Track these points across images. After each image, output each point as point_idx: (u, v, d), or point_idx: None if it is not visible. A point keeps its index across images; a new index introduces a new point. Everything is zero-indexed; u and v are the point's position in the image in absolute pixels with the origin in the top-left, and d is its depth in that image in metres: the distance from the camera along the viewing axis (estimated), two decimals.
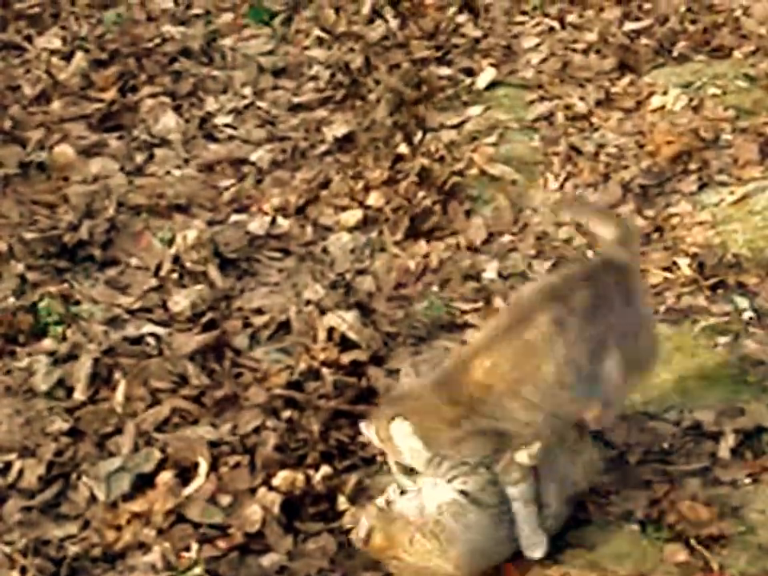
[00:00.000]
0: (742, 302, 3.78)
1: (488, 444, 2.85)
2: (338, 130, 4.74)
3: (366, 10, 5.48)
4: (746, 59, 5.07)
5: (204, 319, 3.75)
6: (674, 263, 3.97)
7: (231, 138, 4.77)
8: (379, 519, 2.90)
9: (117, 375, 3.48)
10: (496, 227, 4.25)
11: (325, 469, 3.18)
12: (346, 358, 3.59)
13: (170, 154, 4.64)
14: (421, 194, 4.30)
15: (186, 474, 3.17)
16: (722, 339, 3.64)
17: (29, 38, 5.26)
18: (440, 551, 2.84)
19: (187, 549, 2.95)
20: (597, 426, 3.07)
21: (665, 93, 4.83)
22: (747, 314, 3.73)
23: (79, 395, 3.45)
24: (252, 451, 3.24)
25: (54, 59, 5.08)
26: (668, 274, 3.94)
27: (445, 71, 5.10)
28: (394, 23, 5.38)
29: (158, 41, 5.24)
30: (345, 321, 3.67)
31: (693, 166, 4.45)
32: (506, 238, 4.20)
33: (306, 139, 4.74)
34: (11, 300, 3.83)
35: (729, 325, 3.70)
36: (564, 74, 5.06)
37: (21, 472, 3.21)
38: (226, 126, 4.82)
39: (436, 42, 5.28)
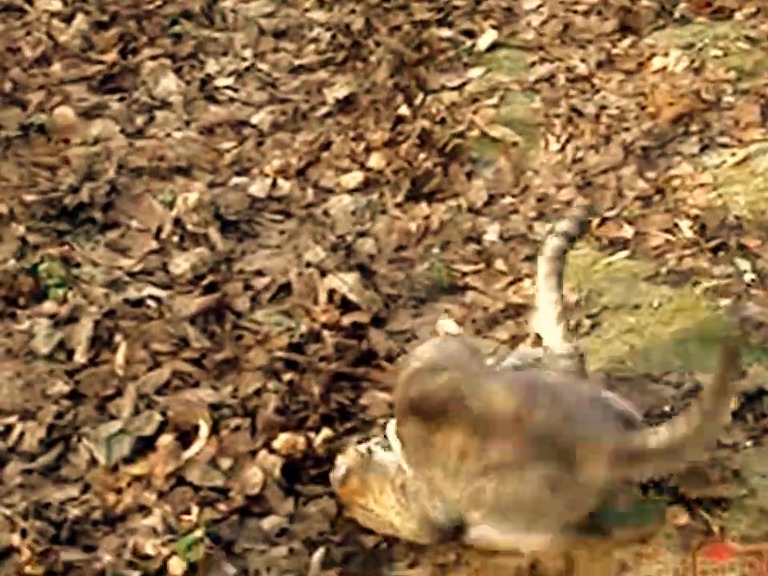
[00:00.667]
0: (744, 264, 3.73)
1: None
2: (339, 91, 4.67)
3: None
4: (747, 20, 4.97)
5: (205, 282, 3.70)
6: (676, 225, 3.92)
7: (232, 100, 4.69)
8: (358, 463, 2.90)
9: (117, 338, 3.43)
10: (497, 189, 4.20)
11: (326, 431, 3.14)
12: (346, 320, 3.54)
13: (171, 116, 4.57)
14: (422, 155, 4.25)
15: (186, 436, 3.13)
16: (724, 301, 3.58)
17: (29, 0, 5.17)
18: (403, 510, 2.80)
19: (188, 512, 2.91)
20: None
21: (666, 54, 4.74)
22: (748, 276, 3.67)
23: (80, 358, 3.40)
24: (253, 414, 3.19)
25: (55, 21, 4.99)
26: (669, 236, 3.88)
27: (446, 33, 5.00)
28: None
29: (158, 2, 5.14)
30: (346, 283, 3.62)
31: (694, 128, 4.39)
32: (507, 200, 4.15)
33: (306, 101, 4.67)
34: (12, 262, 3.78)
35: (730, 287, 3.64)
36: (565, 35, 4.97)
37: (21, 435, 3.16)
38: (227, 88, 4.74)
39: (437, 3, 5.17)
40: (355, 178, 4.23)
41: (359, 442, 3.04)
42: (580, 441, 2.71)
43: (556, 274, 3.15)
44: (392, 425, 2.92)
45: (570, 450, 2.69)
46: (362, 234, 3.99)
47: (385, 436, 2.96)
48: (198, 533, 2.80)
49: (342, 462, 2.94)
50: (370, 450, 2.93)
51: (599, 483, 2.71)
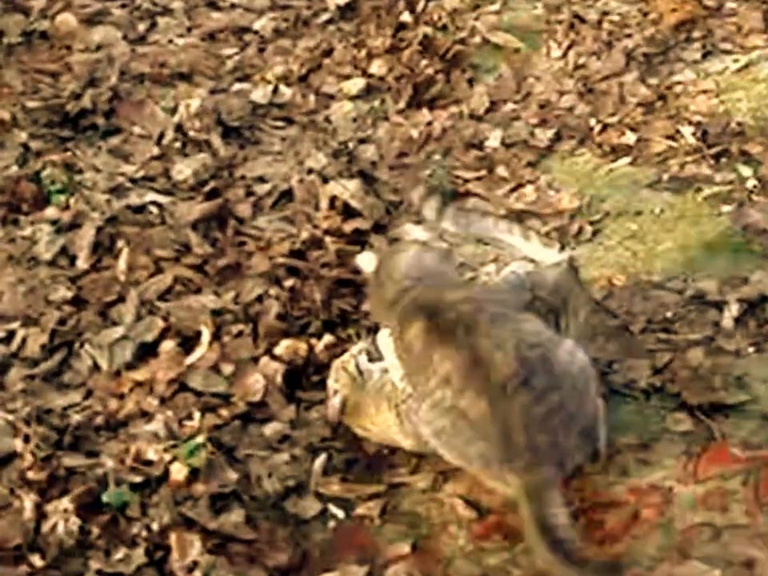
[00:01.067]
0: (746, 171, 3.62)
1: None
2: None
3: None
4: None
5: (206, 188, 3.60)
6: (678, 131, 3.80)
7: (233, 6, 4.55)
8: (351, 388, 2.79)
9: (120, 244, 3.34)
10: (499, 96, 4.07)
11: (327, 338, 3.04)
12: (348, 227, 3.43)
13: (173, 22, 4.44)
14: (423, 62, 4.12)
15: (188, 342, 3.03)
16: (726, 208, 3.48)
17: None
18: (401, 428, 2.72)
19: (190, 417, 2.82)
20: None
21: None
22: (751, 183, 3.57)
23: (82, 264, 3.31)
24: (254, 320, 3.09)
25: None
26: (671, 143, 3.77)
27: None
28: None
29: None
30: (347, 189, 3.52)
31: (696, 34, 4.25)
32: (509, 106, 4.03)
33: (308, 7, 4.53)
34: (14, 169, 3.70)
35: (732, 193, 3.54)
36: None
37: (24, 340, 3.07)
38: None
39: None
40: (357, 84, 4.10)
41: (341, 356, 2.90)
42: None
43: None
44: (384, 333, 2.81)
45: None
46: (363, 141, 3.88)
47: (373, 344, 2.85)
48: (200, 438, 2.71)
49: (335, 390, 2.81)
50: (360, 371, 2.81)
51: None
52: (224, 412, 2.85)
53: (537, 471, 2.49)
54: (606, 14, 4.37)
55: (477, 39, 4.30)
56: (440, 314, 2.66)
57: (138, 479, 2.63)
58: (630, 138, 3.81)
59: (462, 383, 2.54)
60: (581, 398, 2.59)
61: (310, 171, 3.65)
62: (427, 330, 2.64)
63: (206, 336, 3.02)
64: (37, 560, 2.45)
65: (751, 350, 2.97)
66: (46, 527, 2.51)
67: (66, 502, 2.55)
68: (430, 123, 3.93)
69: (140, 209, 3.51)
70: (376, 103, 4.02)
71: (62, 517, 2.52)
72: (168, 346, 3.01)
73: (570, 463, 2.56)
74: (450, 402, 2.55)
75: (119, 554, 2.48)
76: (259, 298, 3.16)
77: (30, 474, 2.63)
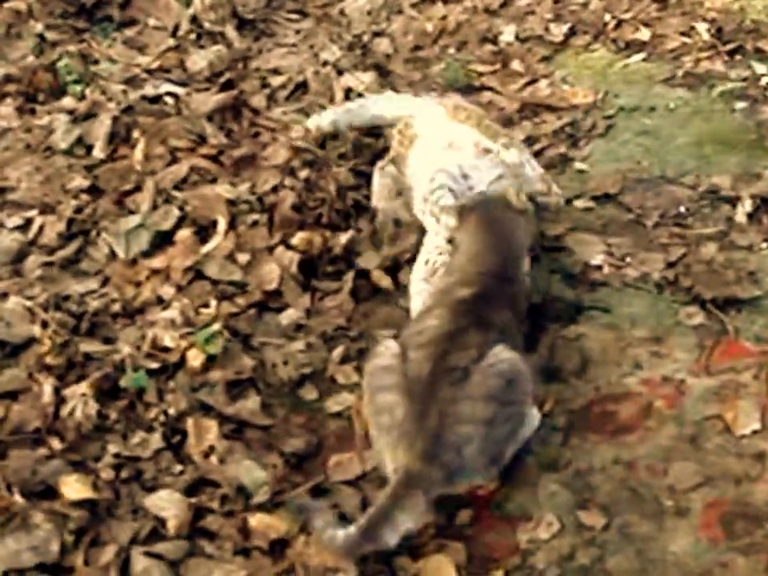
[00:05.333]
0: (760, 68, 3.54)
1: None
2: None
3: None
4: None
5: (222, 79, 3.51)
6: (692, 28, 3.70)
7: None
8: None
9: (136, 133, 3.24)
10: None
11: (342, 228, 2.95)
12: None
13: None
14: None
15: (204, 231, 2.95)
16: (740, 104, 3.40)
17: None
18: None
19: (206, 305, 2.75)
20: None
21: None
22: (765, 80, 3.48)
23: (98, 153, 3.22)
24: (270, 210, 3.00)
25: None
26: (686, 39, 3.67)
27: None
28: None
29: None
30: (362, 81, 3.42)
31: None
32: (524, 1, 3.93)
33: None
34: (30, 59, 3.61)
35: (746, 90, 3.44)
36: None
37: (41, 228, 2.99)
38: None
39: None
40: None
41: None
42: None
43: None
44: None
45: None
46: (378, 34, 3.78)
47: None
48: (217, 326, 2.64)
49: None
50: None
51: None
52: (240, 300, 2.78)
53: (429, 464, 2.27)
54: None
55: None
56: None
57: (154, 365, 2.57)
58: (644, 33, 3.72)
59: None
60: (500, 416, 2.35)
61: (325, 63, 3.56)
62: None
63: (221, 225, 2.94)
64: (56, 443, 2.40)
65: (764, 245, 2.90)
66: (64, 411, 2.45)
67: (83, 387, 2.49)
68: (444, 17, 3.83)
69: (156, 99, 3.42)
70: None
71: (81, 401, 2.46)
72: (184, 234, 2.93)
73: (461, 484, 2.33)
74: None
75: (136, 439, 2.43)
76: (274, 189, 3.07)
77: (48, 359, 2.57)
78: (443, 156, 2.86)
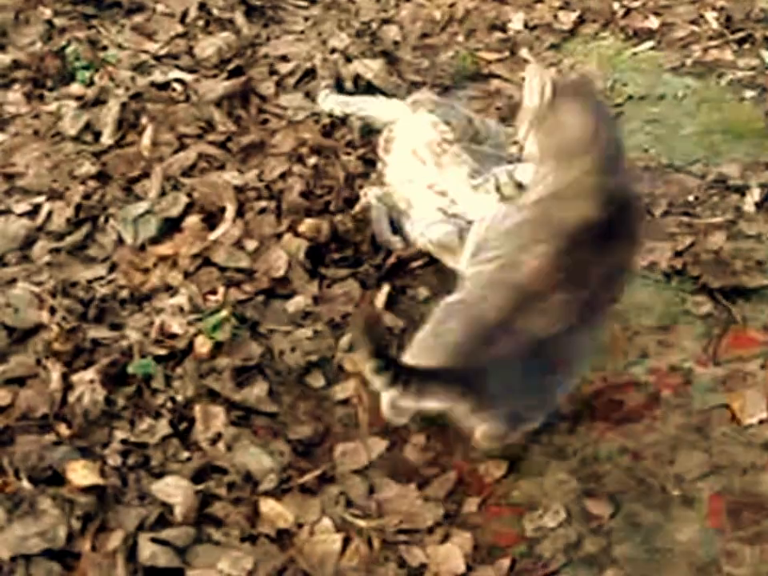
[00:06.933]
0: None
1: None
2: None
3: None
4: None
5: (230, 66, 3.49)
6: (701, 16, 3.68)
7: None
8: None
9: (144, 120, 3.23)
10: None
11: (349, 215, 2.94)
12: None
13: None
14: None
15: (212, 218, 2.94)
16: (749, 93, 3.38)
17: None
18: None
19: (214, 292, 2.74)
20: None
21: None
22: None
23: (107, 139, 3.21)
24: (278, 197, 2.99)
25: None
26: (695, 27, 3.66)
27: None
28: None
29: None
30: (370, 69, 3.40)
31: None
32: None
33: None
34: (39, 45, 3.59)
35: (755, 79, 3.42)
36: None
37: (49, 214, 2.98)
38: None
39: None
40: None
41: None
42: None
43: None
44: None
45: None
46: (386, 21, 3.76)
47: None
48: (224, 312, 2.63)
49: None
50: None
51: None
52: (248, 287, 2.77)
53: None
54: None
55: None
56: None
57: (162, 352, 2.56)
58: (653, 22, 3.70)
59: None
60: None
61: (333, 51, 3.54)
62: None
63: (229, 212, 2.93)
64: (63, 429, 2.40)
65: None
66: (72, 397, 2.45)
67: (91, 373, 2.48)
68: (453, 5, 3.81)
69: (164, 86, 3.41)
70: None
71: (88, 387, 2.46)
72: (192, 221, 2.92)
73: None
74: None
75: (144, 425, 2.42)
76: (282, 176, 3.06)
77: (56, 345, 2.56)
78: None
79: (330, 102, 3.28)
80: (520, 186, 2.69)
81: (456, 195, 2.84)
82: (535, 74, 2.36)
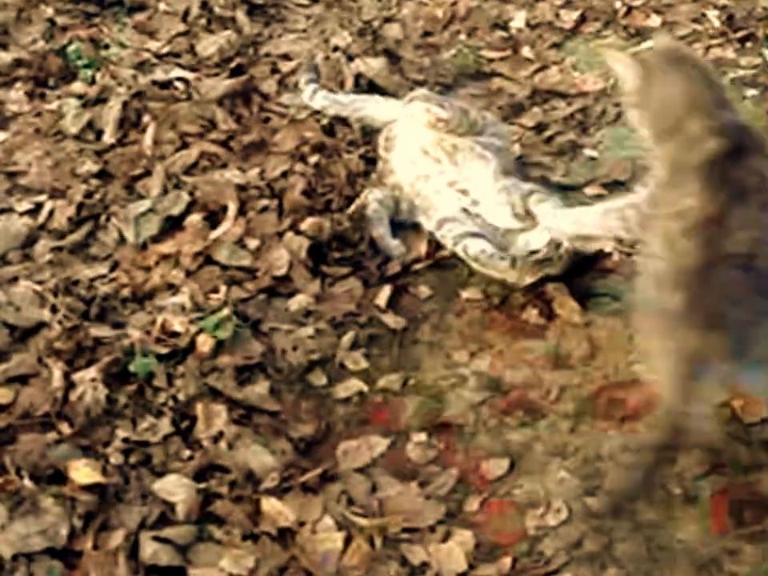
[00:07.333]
0: None
1: None
2: None
3: None
4: None
5: (232, 64, 3.49)
6: (703, 15, 3.68)
7: None
8: None
9: (146, 118, 3.24)
10: None
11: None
12: None
13: None
14: None
15: (214, 216, 2.94)
16: (750, 92, 3.38)
17: None
18: None
19: (215, 290, 2.74)
20: None
21: None
22: None
23: (108, 138, 3.21)
24: (280, 195, 2.99)
25: None
26: (697, 26, 3.65)
27: None
28: None
29: None
30: (372, 67, 3.40)
31: None
32: None
33: None
34: (41, 43, 3.60)
35: (757, 77, 3.42)
36: None
37: (51, 213, 2.98)
38: None
39: None
40: None
41: None
42: None
43: None
44: None
45: None
46: (388, 20, 3.75)
47: None
48: (226, 311, 2.63)
49: None
50: None
51: None
52: (249, 285, 2.77)
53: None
54: None
55: None
56: None
57: (164, 350, 2.56)
58: (655, 20, 3.70)
59: None
60: None
61: (336, 49, 3.53)
62: None
63: (231, 210, 2.93)
64: (65, 428, 2.40)
65: None
66: (73, 396, 2.45)
67: (93, 372, 2.48)
68: (454, 3, 3.81)
69: (166, 84, 3.41)
70: None
71: (90, 386, 2.46)
72: (194, 219, 2.92)
73: None
74: None
75: (146, 423, 2.42)
76: (284, 174, 3.06)
77: (58, 344, 2.56)
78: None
79: (320, 100, 3.28)
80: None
81: (478, 196, 2.88)
82: (617, 59, 2.40)
